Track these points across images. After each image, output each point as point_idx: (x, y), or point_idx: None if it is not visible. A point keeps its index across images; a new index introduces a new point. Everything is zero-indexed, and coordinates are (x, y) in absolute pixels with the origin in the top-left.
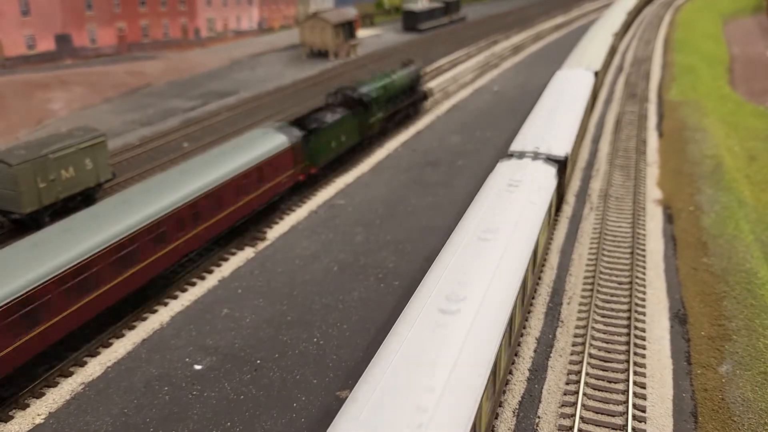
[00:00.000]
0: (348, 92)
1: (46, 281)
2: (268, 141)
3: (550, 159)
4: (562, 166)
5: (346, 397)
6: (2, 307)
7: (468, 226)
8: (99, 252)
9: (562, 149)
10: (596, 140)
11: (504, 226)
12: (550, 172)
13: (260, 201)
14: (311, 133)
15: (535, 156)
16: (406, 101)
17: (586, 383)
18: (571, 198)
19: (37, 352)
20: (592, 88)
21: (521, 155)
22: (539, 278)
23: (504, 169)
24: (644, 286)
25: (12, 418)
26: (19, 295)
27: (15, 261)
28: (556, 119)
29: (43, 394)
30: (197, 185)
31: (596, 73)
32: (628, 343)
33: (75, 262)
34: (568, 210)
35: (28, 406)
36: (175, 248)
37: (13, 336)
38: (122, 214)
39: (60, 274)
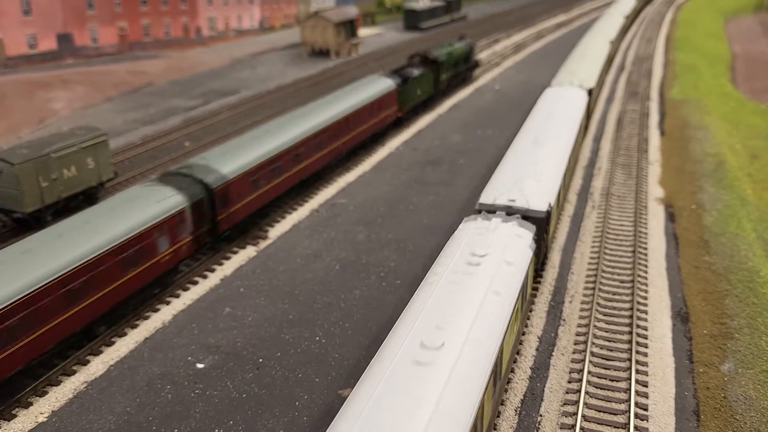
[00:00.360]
0: (425, 55)
1: (264, 161)
2: (381, 83)
3: (527, 216)
4: (543, 223)
5: (348, 396)
6: (248, 170)
7: (407, 331)
8: (285, 149)
9: (543, 201)
10: (598, 139)
11: (454, 331)
12: (526, 236)
13: (380, 125)
14: (405, 81)
15: (509, 213)
16: (464, 67)
17: (588, 381)
18: (573, 196)
19: (259, 207)
20: (584, 110)
21: (491, 211)
22: (541, 278)
23: (467, 232)
24: (646, 284)
25: (15, 416)
26: (251, 167)
27: (243, 144)
28: (538, 157)
29: (46, 393)
30: (344, 107)
31: (590, 91)
32: (630, 342)
33: (276, 152)
34: (570, 208)
35: (31, 404)
36: (331, 150)
37: (250, 190)
38: (304, 120)
39: (268, 159)
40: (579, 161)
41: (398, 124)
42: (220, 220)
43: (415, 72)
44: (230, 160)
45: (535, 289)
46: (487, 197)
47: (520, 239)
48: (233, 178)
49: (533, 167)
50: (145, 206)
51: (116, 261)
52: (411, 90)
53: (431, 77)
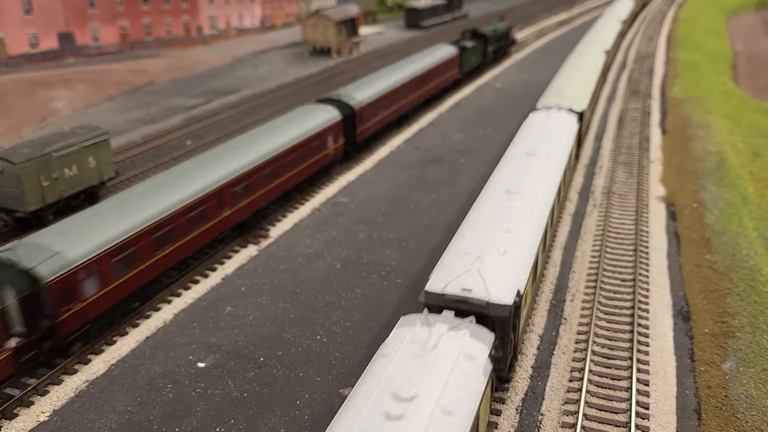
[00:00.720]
0: (475, 30)
1: (383, 94)
2: (448, 50)
3: (486, 316)
4: (508, 323)
5: (349, 395)
6: (373, 100)
7: None
8: (392, 89)
9: (509, 288)
10: (599, 137)
11: None
12: (479, 354)
13: (445, 83)
14: (463, 50)
15: (460, 313)
16: (504, 43)
17: (589, 380)
18: (574, 195)
19: (379, 128)
20: (574, 139)
21: (439, 303)
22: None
23: (394, 355)
24: (647, 283)
25: (17, 415)
26: (375, 98)
27: (369, 82)
28: (510, 216)
29: (48, 392)
30: (423, 65)
31: (581, 114)
32: (631, 341)
33: (385, 92)
34: (571, 207)
35: (32, 403)
36: (417, 96)
37: (375, 114)
38: (396, 73)
39: (385, 93)
40: (581, 159)
41: (457, 84)
42: (358, 133)
43: (469, 44)
44: (363, 92)
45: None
46: (436, 283)
47: (473, 356)
48: (367, 104)
49: (502, 234)
50: (320, 115)
51: (309, 147)
52: (467, 57)
53: (481, 49)
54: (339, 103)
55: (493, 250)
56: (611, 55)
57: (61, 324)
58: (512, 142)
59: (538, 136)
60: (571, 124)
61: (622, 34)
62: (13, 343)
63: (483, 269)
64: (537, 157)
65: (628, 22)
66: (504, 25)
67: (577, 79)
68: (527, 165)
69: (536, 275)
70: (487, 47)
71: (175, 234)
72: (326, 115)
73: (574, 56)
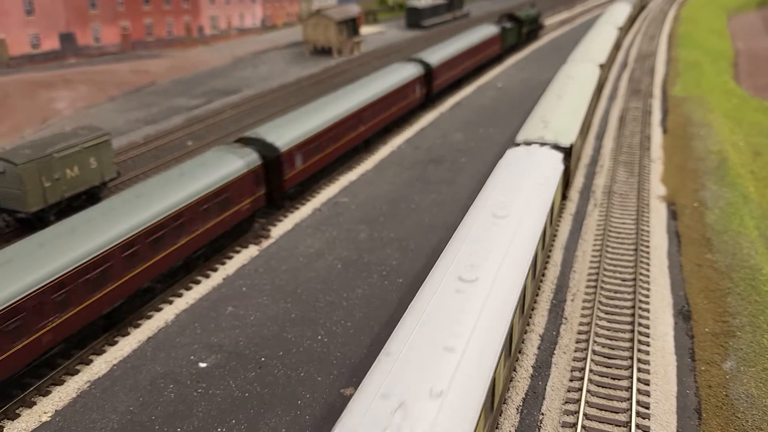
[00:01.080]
0: (512, 14)
1: (447, 60)
2: (492, 29)
3: None
4: None
5: (351, 395)
6: (443, 62)
7: None
8: (455, 55)
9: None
10: (600, 136)
11: None
12: None
13: (490, 55)
14: (503, 30)
15: None
16: (535, 26)
17: (589, 380)
18: (575, 195)
19: (448, 84)
20: (558, 185)
21: None
22: (541, 279)
23: None
24: (648, 282)
25: (19, 416)
26: (444, 61)
27: (441, 48)
28: (463, 311)
29: (50, 392)
30: (476, 38)
31: (569, 150)
32: (631, 340)
33: (451, 56)
34: (572, 207)
35: (34, 404)
36: (471, 63)
37: (445, 73)
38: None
39: (450, 59)
40: (581, 159)
41: (498, 59)
42: (434, 86)
43: (508, 25)
44: (436, 55)
45: None
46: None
47: None
48: (439, 65)
49: (442, 357)
50: (406, 71)
51: (406, 90)
52: (507, 36)
53: (517, 30)
54: (421, 62)
55: (424, 390)
56: (607, 68)
57: (289, 179)
58: (479, 195)
59: (511, 185)
60: (556, 166)
61: (618, 43)
62: (263, 190)
63: (408, 412)
64: (506, 220)
65: (626, 28)
66: (534, 11)
67: (565, 105)
68: (492, 232)
69: (494, 408)
70: (522, 29)
71: (338, 135)
72: (414, 69)
73: (562, 75)
